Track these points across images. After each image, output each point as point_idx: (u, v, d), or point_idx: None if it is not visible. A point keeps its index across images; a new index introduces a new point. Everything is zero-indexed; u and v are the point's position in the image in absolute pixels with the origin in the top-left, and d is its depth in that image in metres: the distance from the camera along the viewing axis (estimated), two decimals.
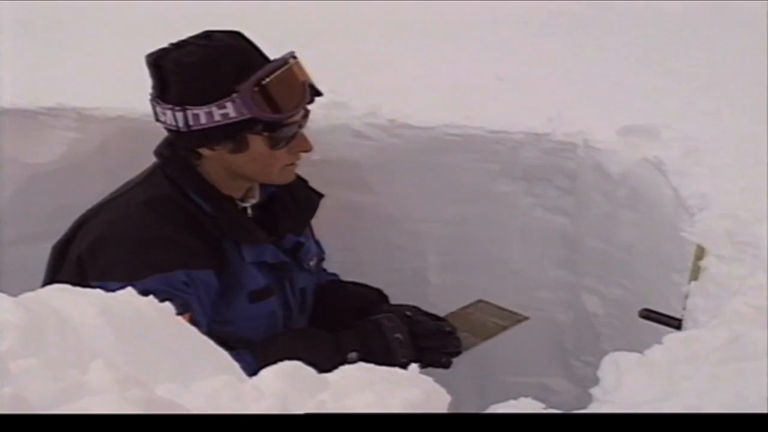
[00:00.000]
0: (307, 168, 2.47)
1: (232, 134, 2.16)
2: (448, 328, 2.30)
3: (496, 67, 2.94)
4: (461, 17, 3.33)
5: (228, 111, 2.12)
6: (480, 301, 2.44)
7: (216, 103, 2.12)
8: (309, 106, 2.24)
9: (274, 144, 2.19)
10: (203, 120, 2.14)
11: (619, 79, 2.92)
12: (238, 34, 2.20)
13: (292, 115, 2.18)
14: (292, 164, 2.28)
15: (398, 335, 2.23)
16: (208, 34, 2.20)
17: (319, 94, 2.24)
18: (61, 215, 2.40)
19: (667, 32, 3.23)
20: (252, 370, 1.25)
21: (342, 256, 2.68)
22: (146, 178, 2.27)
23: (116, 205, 2.23)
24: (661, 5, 3.36)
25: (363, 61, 2.96)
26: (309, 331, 2.36)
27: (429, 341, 2.26)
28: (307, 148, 2.27)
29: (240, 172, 2.24)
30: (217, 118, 2.13)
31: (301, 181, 2.40)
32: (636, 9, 3.38)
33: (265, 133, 2.17)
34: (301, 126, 2.23)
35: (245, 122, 2.14)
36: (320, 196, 2.45)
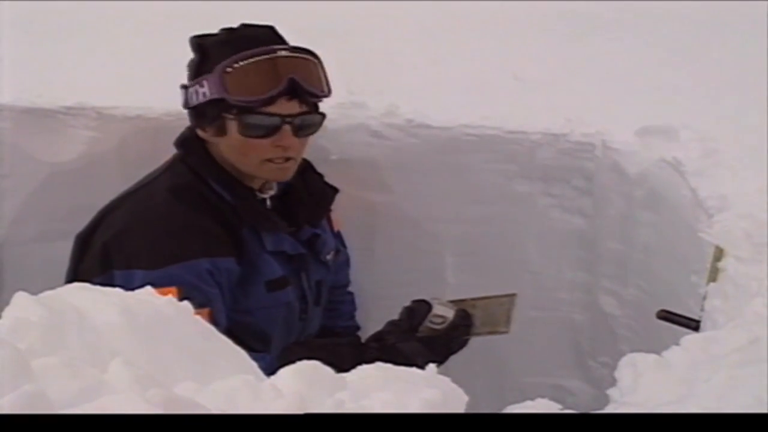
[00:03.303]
0: (325, 167, 2.48)
1: (212, 115, 2.21)
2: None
3: (514, 67, 2.93)
4: (479, 17, 3.32)
5: (205, 90, 2.19)
6: (511, 296, 2.41)
7: (197, 80, 2.20)
8: (310, 108, 2.25)
9: (245, 130, 2.20)
10: (193, 98, 2.22)
11: (638, 79, 2.91)
12: (269, 28, 2.27)
13: (262, 103, 2.18)
14: (275, 161, 2.24)
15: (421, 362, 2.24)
16: (241, 24, 2.28)
17: (314, 94, 2.23)
18: (81, 213, 2.41)
19: (686, 32, 3.22)
20: (271, 372, 1.25)
21: (360, 256, 2.69)
22: (168, 169, 2.30)
23: (140, 195, 2.27)
24: (680, 5, 3.35)
25: (381, 60, 2.95)
26: (332, 340, 2.36)
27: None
28: (288, 145, 2.22)
29: (227, 159, 2.26)
30: (200, 97, 2.20)
31: (316, 175, 2.43)
32: (654, 9, 3.36)
33: (231, 117, 2.19)
34: (287, 122, 2.21)
35: (220, 103, 2.18)
36: (335, 190, 2.46)
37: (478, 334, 2.37)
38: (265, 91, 2.17)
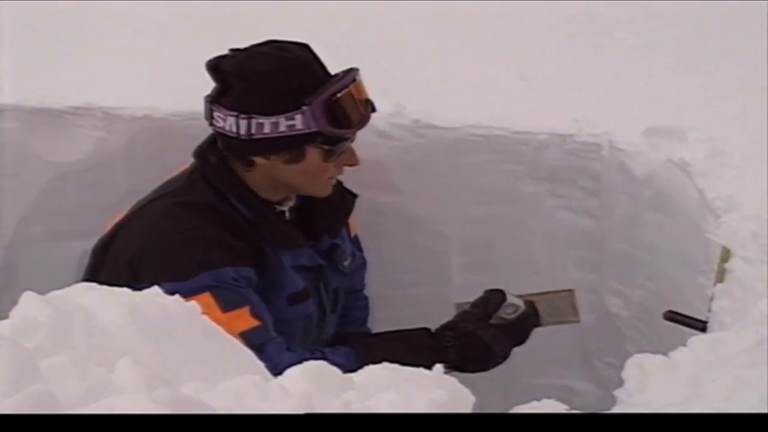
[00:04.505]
0: None
1: (292, 145, 2.18)
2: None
3: (521, 67, 2.93)
4: (486, 17, 3.32)
5: (295, 123, 2.15)
6: (569, 291, 2.45)
7: (285, 114, 2.14)
8: None
9: (328, 157, 2.22)
10: (267, 129, 2.15)
11: (645, 80, 2.90)
12: (306, 47, 2.23)
13: (355, 130, 2.23)
14: (334, 177, 2.31)
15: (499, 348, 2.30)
16: (278, 45, 2.22)
17: (373, 109, 2.27)
18: (88, 214, 2.42)
19: (693, 33, 3.21)
20: (352, 365, 1.27)
21: (366, 256, 2.68)
22: (186, 182, 2.28)
23: (159, 209, 2.24)
24: (687, 5, 3.34)
25: (387, 61, 2.95)
26: (406, 331, 2.35)
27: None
28: (354, 163, 2.30)
29: (287, 182, 2.26)
30: (282, 128, 2.15)
31: (336, 181, 2.42)
32: (661, 9, 3.36)
33: (325, 147, 2.20)
34: (352, 141, 2.26)
35: (309, 135, 2.16)
36: (354, 196, 2.46)
37: (549, 324, 2.41)
38: (358, 120, 2.22)
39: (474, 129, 2.66)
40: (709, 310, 2.00)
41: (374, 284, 2.78)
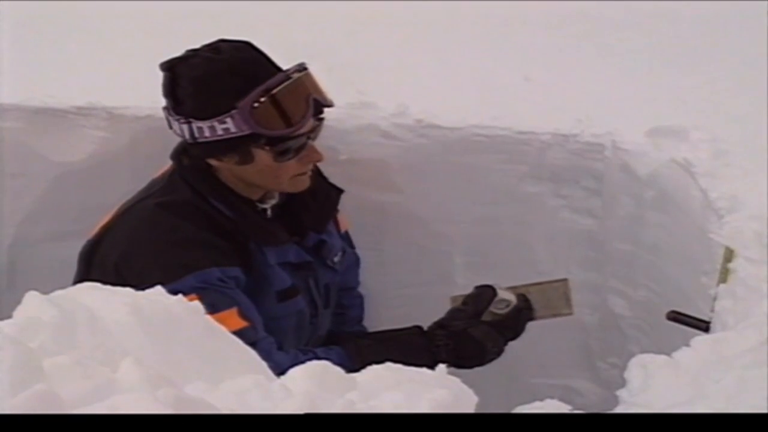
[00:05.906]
0: (333, 168, 2.48)
1: (236, 148, 2.17)
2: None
3: (525, 67, 2.93)
4: (489, 17, 3.32)
5: (229, 126, 2.13)
6: (563, 281, 2.44)
7: (217, 118, 2.13)
8: (324, 115, 2.23)
9: (278, 156, 2.19)
10: (207, 133, 2.15)
11: (648, 80, 2.90)
12: (247, 45, 2.21)
13: (295, 130, 2.17)
14: (304, 173, 2.27)
15: (491, 345, 2.30)
16: (217, 46, 2.20)
17: (328, 105, 2.23)
18: (91, 213, 2.42)
19: (697, 33, 3.21)
20: (344, 365, 1.27)
21: (368, 256, 2.69)
22: (167, 183, 2.28)
23: (141, 210, 2.25)
24: (690, 5, 3.34)
25: (390, 61, 2.95)
26: (400, 335, 2.34)
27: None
28: (317, 159, 2.27)
29: (251, 182, 2.25)
30: (219, 132, 2.14)
31: (320, 177, 2.41)
32: (665, 10, 3.36)
33: (267, 147, 2.17)
34: (310, 138, 2.22)
35: (248, 137, 2.14)
36: (340, 191, 2.45)
37: (542, 317, 2.40)
38: (298, 119, 2.16)
39: (477, 129, 2.66)
40: (712, 311, 2.00)
41: (376, 284, 2.78)
